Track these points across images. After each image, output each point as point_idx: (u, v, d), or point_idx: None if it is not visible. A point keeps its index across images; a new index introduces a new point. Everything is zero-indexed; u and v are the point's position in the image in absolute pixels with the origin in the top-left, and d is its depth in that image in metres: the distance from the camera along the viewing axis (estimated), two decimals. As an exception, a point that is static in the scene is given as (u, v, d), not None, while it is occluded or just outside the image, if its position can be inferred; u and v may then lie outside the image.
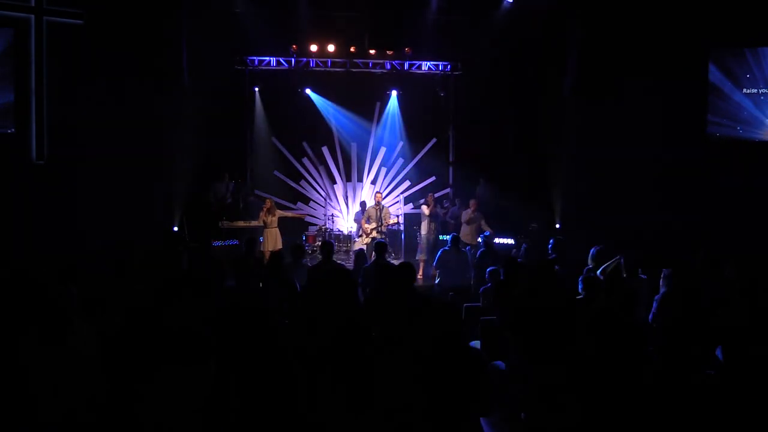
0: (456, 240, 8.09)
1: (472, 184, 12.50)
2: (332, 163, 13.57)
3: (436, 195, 12.40)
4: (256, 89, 12.75)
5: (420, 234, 10.83)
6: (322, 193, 13.47)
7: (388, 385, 3.38)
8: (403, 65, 12.67)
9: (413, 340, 3.67)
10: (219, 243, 10.80)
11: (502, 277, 6.03)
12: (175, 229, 10.57)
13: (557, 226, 11.55)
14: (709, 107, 11.09)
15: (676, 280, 5.40)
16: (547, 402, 3.52)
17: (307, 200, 13.49)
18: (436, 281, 7.94)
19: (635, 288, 5.35)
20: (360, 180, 13.72)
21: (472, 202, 10.36)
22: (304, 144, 13.32)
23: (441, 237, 10.78)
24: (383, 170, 13.69)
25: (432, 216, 10.54)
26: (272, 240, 9.93)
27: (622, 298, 4.52)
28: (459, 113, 13.44)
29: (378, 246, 6.80)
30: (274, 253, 6.82)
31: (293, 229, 11.86)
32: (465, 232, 10.10)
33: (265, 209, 10.01)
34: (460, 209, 11.35)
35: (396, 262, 7.66)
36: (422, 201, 11.07)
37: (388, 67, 12.83)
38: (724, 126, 11.10)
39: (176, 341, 3.47)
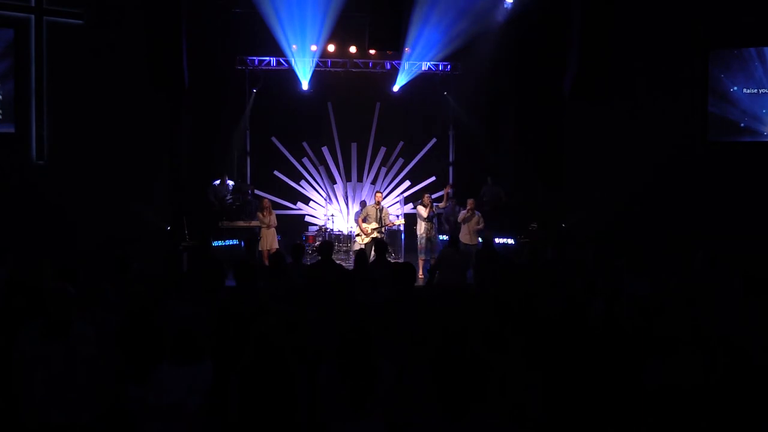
0: (455, 239, 8.10)
1: (472, 184, 12.47)
2: (332, 163, 13.56)
3: (435, 195, 12.39)
4: (254, 90, 12.74)
5: (417, 234, 10.66)
6: (322, 193, 13.46)
7: (390, 384, 3.38)
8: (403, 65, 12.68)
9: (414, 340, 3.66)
10: (219, 243, 10.78)
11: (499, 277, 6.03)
12: (168, 228, 10.53)
13: (563, 225, 11.49)
14: (709, 107, 11.06)
15: None
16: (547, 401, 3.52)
17: (307, 200, 13.48)
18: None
19: (636, 288, 5.34)
20: (360, 180, 13.71)
21: (469, 201, 10.17)
22: (304, 144, 13.31)
23: (440, 237, 10.73)
24: (383, 170, 13.69)
25: (428, 216, 10.35)
26: (270, 239, 10.03)
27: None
28: (459, 113, 13.43)
29: (378, 244, 6.78)
30: (274, 253, 6.83)
31: (293, 229, 11.83)
32: (464, 233, 9.99)
33: (266, 209, 10.08)
34: (453, 209, 11.24)
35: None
36: (419, 202, 10.92)
37: (388, 67, 12.83)
38: (724, 125, 11.08)
39: (175, 341, 3.47)
